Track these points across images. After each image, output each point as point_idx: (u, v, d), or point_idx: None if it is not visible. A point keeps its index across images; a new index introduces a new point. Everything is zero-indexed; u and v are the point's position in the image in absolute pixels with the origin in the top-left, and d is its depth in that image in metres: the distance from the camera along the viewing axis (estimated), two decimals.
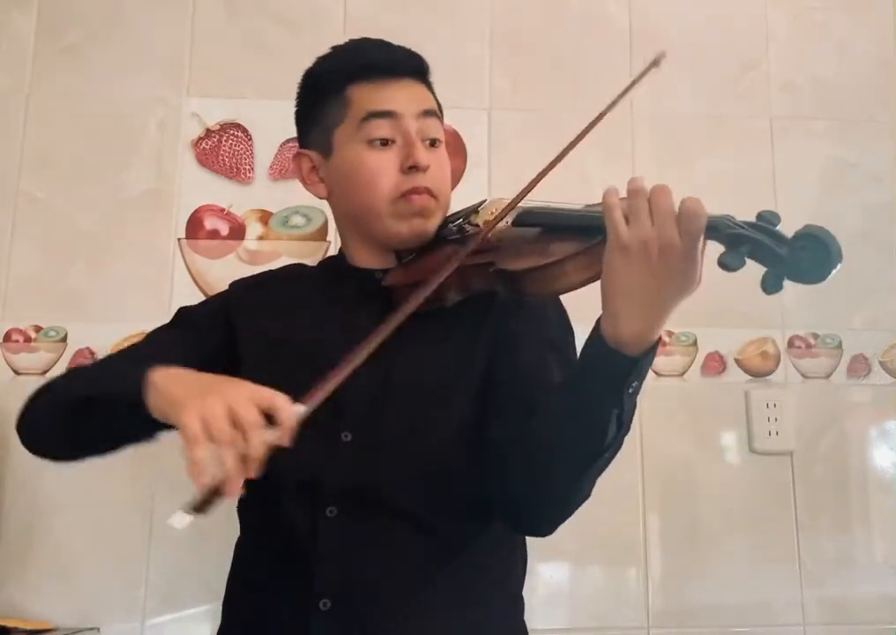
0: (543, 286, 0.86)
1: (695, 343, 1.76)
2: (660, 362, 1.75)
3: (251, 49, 1.80)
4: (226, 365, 0.99)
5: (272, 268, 1.20)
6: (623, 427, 0.83)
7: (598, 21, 1.89)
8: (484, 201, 1.05)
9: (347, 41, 1.07)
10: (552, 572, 1.65)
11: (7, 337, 1.65)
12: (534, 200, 0.97)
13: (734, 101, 1.86)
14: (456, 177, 1.76)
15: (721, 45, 1.89)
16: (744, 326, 1.76)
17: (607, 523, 1.66)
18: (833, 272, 0.72)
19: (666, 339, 1.76)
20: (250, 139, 1.78)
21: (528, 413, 0.89)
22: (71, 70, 1.77)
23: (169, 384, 0.82)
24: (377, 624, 0.92)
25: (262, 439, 0.72)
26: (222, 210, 1.75)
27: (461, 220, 1.02)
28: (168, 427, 0.84)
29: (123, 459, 1.62)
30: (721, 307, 1.69)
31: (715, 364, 1.76)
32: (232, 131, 1.78)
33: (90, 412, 0.91)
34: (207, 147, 1.77)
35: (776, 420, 1.73)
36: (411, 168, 0.97)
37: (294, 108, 1.08)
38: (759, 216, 0.77)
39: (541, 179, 0.91)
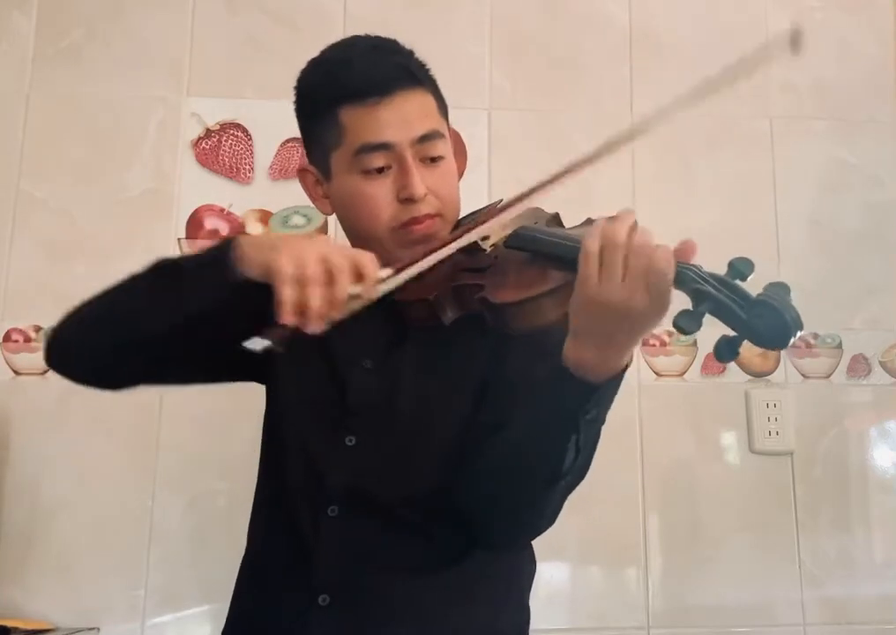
0: (522, 320, 0.84)
1: (695, 343, 1.76)
2: (660, 362, 1.75)
3: (251, 49, 1.80)
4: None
5: None
6: (582, 454, 0.82)
7: (598, 21, 1.89)
8: (495, 205, 1.04)
9: (333, 46, 1.02)
10: (552, 572, 1.65)
11: (7, 337, 1.65)
12: (541, 211, 0.97)
13: (734, 101, 1.86)
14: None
15: (721, 45, 1.88)
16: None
17: (607, 523, 1.66)
18: (792, 340, 0.70)
19: (666, 339, 1.76)
20: (250, 139, 1.78)
21: (500, 421, 0.88)
22: (71, 70, 1.78)
23: (261, 241, 0.88)
24: (374, 622, 0.93)
25: (348, 284, 0.79)
26: (222, 210, 1.75)
27: (467, 220, 1.01)
28: (245, 323, 0.89)
29: (123, 458, 1.63)
30: None
31: (715, 364, 1.76)
32: (232, 131, 1.78)
33: (169, 284, 0.90)
34: (207, 147, 1.77)
35: (776, 420, 1.73)
36: (407, 200, 0.95)
37: (295, 114, 1.05)
38: (731, 266, 0.74)
39: (557, 180, 0.89)
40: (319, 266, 0.78)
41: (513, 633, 1.01)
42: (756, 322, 0.71)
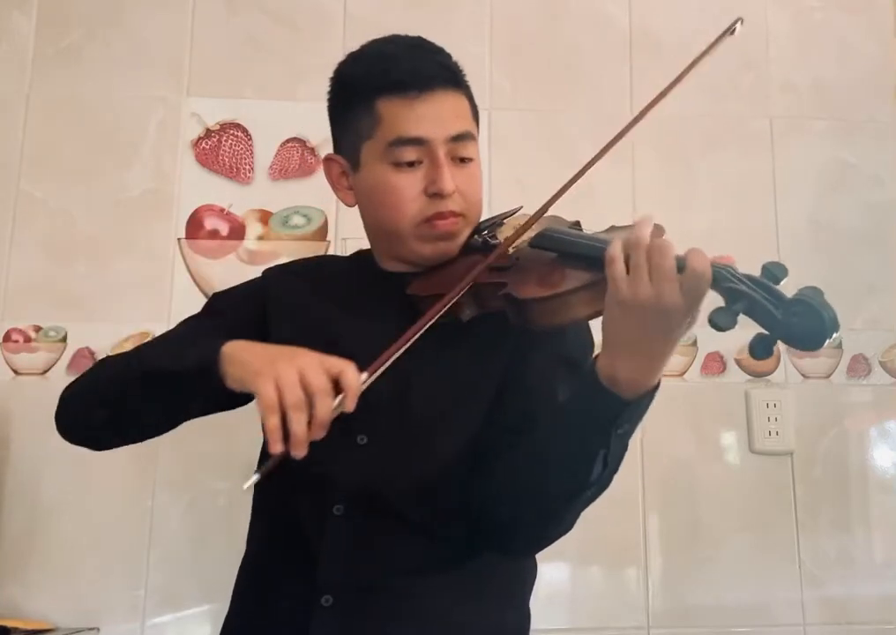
0: (547, 317, 0.85)
1: (695, 343, 1.76)
2: None
3: (251, 49, 1.80)
4: None
5: (305, 258, 1.20)
6: (609, 467, 0.83)
7: (598, 21, 1.89)
8: (515, 211, 1.04)
9: (374, 41, 1.04)
10: (552, 572, 1.65)
11: (7, 337, 1.65)
12: (561, 219, 0.98)
13: (734, 101, 1.86)
14: None
15: (721, 45, 1.88)
16: (744, 326, 1.76)
17: (607, 523, 1.66)
18: (828, 342, 0.70)
19: None
20: (250, 139, 1.78)
21: (522, 428, 0.88)
22: (71, 70, 1.78)
23: (242, 354, 0.86)
24: (377, 623, 0.92)
25: (330, 404, 0.77)
26: (222, 210, 1.75)
27: (486, 231, 1.01)
28: (223, 404, 0.97)
29: (123, 459, 1.63)
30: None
31: (715, 364, 1.76)
32: (232, 131, 1.78)
33: (155, 387, 0.92)
34: (207, 147, 1.77)
35: (776, 420, 1.73)
36: (435, 195, 0.95)
37: (327, 105, 1.06)
38: (764, 269, 0.74)
39: (568, 188, 0.91)
40: (299, 390, 0.77)
41: (515, 633, 1.01)
42: (792, 321, 0.70)
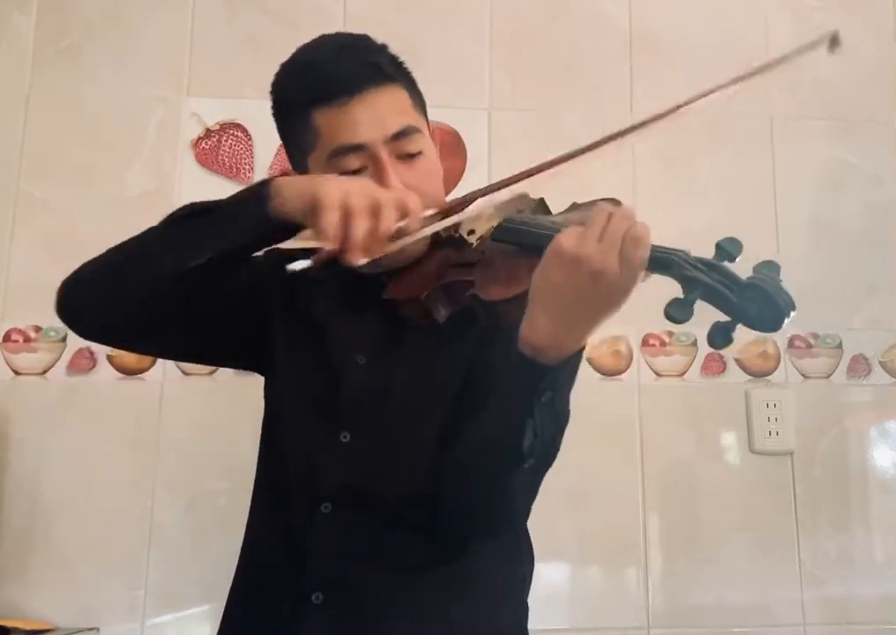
0: (514, 316, 0.82)
1: (695, 343, 1.76)
2: (660, 362, 1.75)
3: (251, 49, 1.80)
4: (250, 324, 1.02)
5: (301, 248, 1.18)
6: (541, 436, 0.82)
7: (598, 21, 1.89)
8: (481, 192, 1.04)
9: (302, 47, 1.01)
10: (552, 572, 1.65)
11: (7, 337, 1.65)
12: (527, 198, 0.96)
13: (734, 101, 1.86)
14: (456, 177, 1.76)
15: (721, 45, 1.89)
16: (745, 329, 1.76)
17: (607, 523, 1.66)
18: (786, 321, 0.69)
19: (666, 339, 1.76)
20: (250, 139, 1.78)
21: (475, 410, 0.88)
22: (71, 70, 1.77)
23: (298, 181, 0.88)
24: (368, 620, 0.92)
25: (394, 218, 0.80)
26: None
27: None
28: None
29: (123, 458, 1.63)
30: None
31: (715, 364, 1.76)
32: (232, 131, 1.78)
33: (202, 222, 0.91)
34: (207, 147, 1.77)
35: (776, 420, 1.73)
36: None
37: (273, 119, 1.05)
38: (718, 248, 0.73)
39: (541, 171, 0.90)
40: (365, 199, 0.80)
41: (511, 631, 1.01)
42: (748, 305, 0.70)
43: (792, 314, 0.69)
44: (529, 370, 0.78)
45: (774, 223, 1.84)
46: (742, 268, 0.73)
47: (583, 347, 0.79)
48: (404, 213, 0.82)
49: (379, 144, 0.92)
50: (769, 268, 0.71)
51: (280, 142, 1.86)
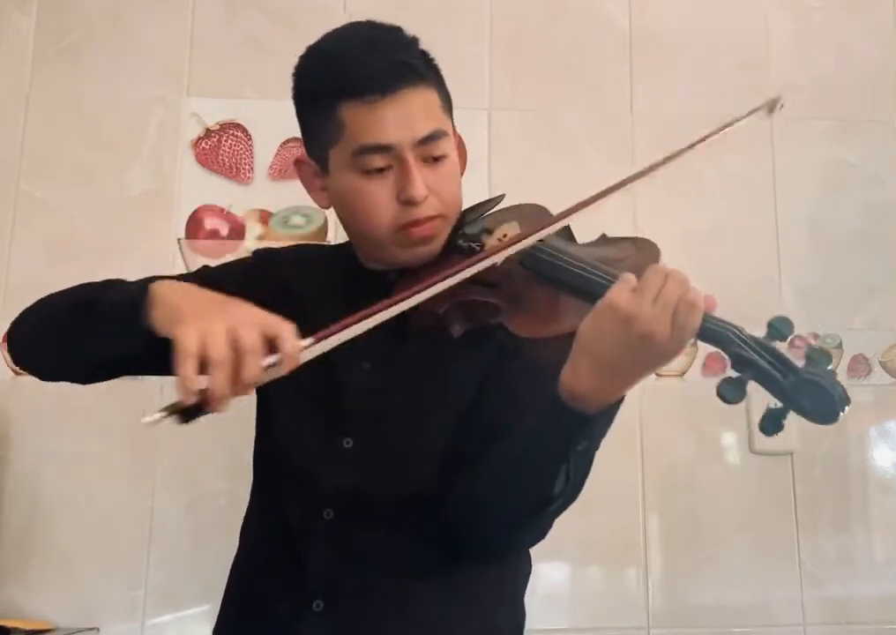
0: (546, 355, 0.81)
1: (695, 343, 1.76)
2: None
3: (251, 49, 1.80)
4: None
5: (293, 248, 1.15)
6: (571, 482, 0.82)
7: (598, 21, 1.89)
8: (496, 200, 1.02)
9: (331, 35, 0.99)
10: (552, 572, 1.65)
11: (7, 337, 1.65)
12: (545, 211, 0.95)
13: (734, 101, 1.86)
14: None
15: (721, 45, 1.89)
16: (744, 326, 1.76)
17: (607, 523, 1.66)
18: (841, 415, 0.69)
19: None
20: (250, 139, 1.78)
21: (495, 437, 0.87)
22: (71, 70, 1.78)
23: (174, 296, 0.80)
24: (370, 628, 0.92)
25: (259, 365, 0.71)
26: (222, 210, 1.75)
27: (468, 229, 0.98)
28: (158, 367, 0.80)
29: (123, 458, 1.63)
30: (721, 307, 1.68)
31: (715, 364, 1.76)
32: (232, 131, 1.78)
33: (87, 319, 0.88)
34: (207, 147, 1.77)
35: None
36: (407, 202, 0.91)
37: (294, 105, 1.02)
38: (770, 326, 0.74)
39: (568, 215, 0.85)
40: (226, 346, 0.70)
41: (510, 634, 1.00)
42: (802, 396, 0.70)
43: (847, 409, 0.69)
44: (569, 418, 0.77)
45: (774, 223, 1.84)
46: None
47: (622, 399, 0.78)
48: (274, 348, 0.72)
49: (407, 147, 0.90)
50: (821, 357, 0.71)
51: (279, 142, 1.87)
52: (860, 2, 1.97)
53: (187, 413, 0.70)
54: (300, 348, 0.73)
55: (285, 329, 0.73)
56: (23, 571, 1.58)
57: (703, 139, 0.88)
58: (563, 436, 0.78)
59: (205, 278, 1.06)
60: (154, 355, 0.78)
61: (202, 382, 0.69)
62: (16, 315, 0.99)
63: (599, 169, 1.72)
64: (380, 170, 0.91)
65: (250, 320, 0.73)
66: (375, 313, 0.77)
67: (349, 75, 0.91)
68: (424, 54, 0.97)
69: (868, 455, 1.78)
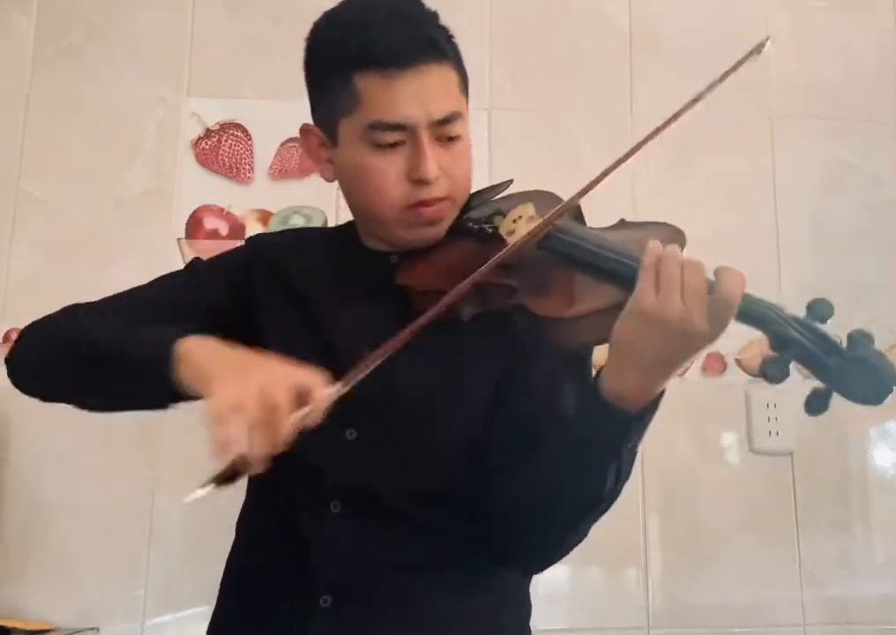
0: (566, 337, 0.81)
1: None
2: None
3: (251, 49, 1.80)
4: (237, 323, 0.97)
5: (290, 232, 1.14)
6: (622, 479, 0.83)
7: (598, 21, 1.89)
8: (505, 185, 1.01)
9: (355, 2, 0.94)
10: (552, 572, 1.63)
11: (7, 337, 1.65)
12: (556, 198, 0.94)
13: (734, 102, 1.86)
14: None
15: (721, 45, 1.88)
16: (745, 326, 1.76)
17: (607, 523, 1.65)
18: (889, 396, 0.68)
19: None
20: (250, 139, 1.78)
21: (532, 443, 0.86)
22: (71, 70, 1.78)
23: (201, 358, 0.79)
24: (379, 623, 0.90)
25: (292, 422, 0.70)
26: (222, 210, 1.75)
27: (477, 211, 0.97)
28: (182, 398, 0.83)
29: (123, 458, 1.63)
30: None
31: (715, 364, 1.76)
32: (232, 131, 1.78)
33: (103, 365, 0.88)
34: (207, 147, 1.77)
35: (776, 420, 1.73)
36: (418, 181, 0.90)
37: (303, 67, 0.98)
38: (809, 308, 0.72)
39: (584, 194, 0.86)
40: (260, 409, 0.68)
41: (517, 631, 1.00)
42: (848, 379, 0.69)
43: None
44: (620, 421, 0.77)
45: (774, 223, 1.84)
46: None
47: (664, 391, 0.79)
48: (304, 400, 0.71)
49: (422, 126, 0.89)
50: (863, 338, 0.70)
51: (279, 142, 1.87)
52: (860, 2, 1.97)
53: (229, 479, 0.69)
54: (330, 398, 0.73)
55: (315, 381, 0.72)
56: (23, 571, 1.57)
57: (699, 98, 0.88)
58: (613, 437, 0.78)
59: (197, 274, 1.06)
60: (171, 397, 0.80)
61: (237, 445, 0.68)
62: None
63: (599, 169, 1.71)
64: (392, 145, 0.89)
65: (281, 377, 0.72)
66: (399, 344, 0.77)
67: (370, 45, 0.87)
68: (445, 30, 0.95)
69: (868, 455, 1.78)
